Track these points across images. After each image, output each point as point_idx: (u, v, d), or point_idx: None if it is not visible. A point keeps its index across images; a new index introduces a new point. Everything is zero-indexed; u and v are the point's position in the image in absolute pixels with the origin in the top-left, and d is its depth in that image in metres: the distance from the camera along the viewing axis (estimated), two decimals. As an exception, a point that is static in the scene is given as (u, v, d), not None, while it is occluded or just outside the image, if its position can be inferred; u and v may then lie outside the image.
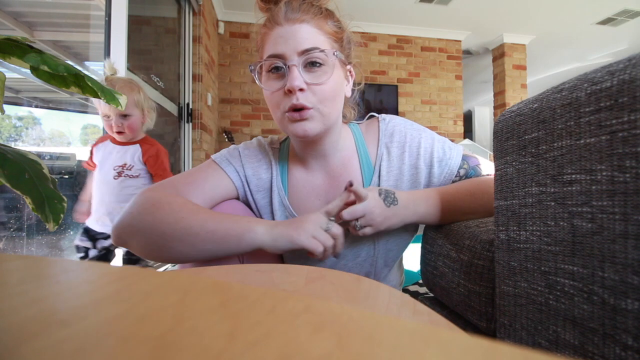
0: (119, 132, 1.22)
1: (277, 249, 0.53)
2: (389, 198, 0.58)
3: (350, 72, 0.64)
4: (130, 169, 1.25)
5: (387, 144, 0.66)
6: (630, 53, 0.31)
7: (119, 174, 1.24)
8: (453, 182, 0.66)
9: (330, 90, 0.57)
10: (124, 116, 1.22)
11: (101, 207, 1.24)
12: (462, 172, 0.67)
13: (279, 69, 0.56)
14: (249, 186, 0.66)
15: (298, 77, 0.54)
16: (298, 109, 0.55)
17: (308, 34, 0.55)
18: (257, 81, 0.60)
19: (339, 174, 0.66)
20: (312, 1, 0.57)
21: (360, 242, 0.65)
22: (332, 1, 0.60)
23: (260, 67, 0.58)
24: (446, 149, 0.66)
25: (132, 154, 1.26)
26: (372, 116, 0.72)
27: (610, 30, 3.99)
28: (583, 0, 3.35)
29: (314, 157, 0.66)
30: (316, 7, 0.57)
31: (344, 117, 0.68)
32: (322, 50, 0.55)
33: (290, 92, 0.54)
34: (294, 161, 0.68)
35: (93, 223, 1.25)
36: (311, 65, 0.55)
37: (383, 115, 0.70)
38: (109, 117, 1.21)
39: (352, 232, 0.59)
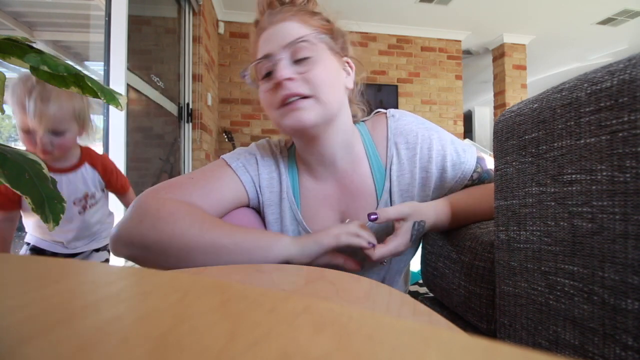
0: (45, 152, 0.87)
1: (306, 257, 0.51)
2: (419, 233, 0.55)
3: (348, 63, 0.61)
4: (93, 197, 1.01)
5: (397, 143, 0.61)
6: (630, 53, 0.31)
7: (84, 208, 0.99)
8: (465, 186, 0.63)
9: (325, 75, 0.54)
10: (57, 133, 0.87)
11: (65, 235, 1.00)
12: (475, 176, 0.63)
13: (270, 73, 0.54)
14: (262, 197, 0.62)
15: (284, 67, 0.52)
16: (291, 101, 0.52)
17: (292, 29, 0.54)
18: (250, 84, 0.59)
19: (350, 181, 0.62)
20: (294, 2, 0.57)
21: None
22: (318, 5, 0.60)
23: (253, 75, 0.58)
24: (460, 151, 0.62)
25: (90, 179, 1.00)
26: (379, 112, 0.67)
27: (610, 30, 3.99)
28: (583, 0, 3.35)
29: (320, 163, 0.61)
30: (299, 6, 0.57)
31: (354, 116, 0.64)
32: (306, 40, 0.53)
33: (279, 85, 0.52)
34: (303, 171, 0.64)
35: (53, 246, 1.00)
36: (301, 60, 0.53)
37: (392, 111, 0.65)
38: (30, 132, 0.85)
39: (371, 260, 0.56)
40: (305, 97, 0.53)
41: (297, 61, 0.53)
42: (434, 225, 0.57)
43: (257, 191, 0.62)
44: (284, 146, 0.66)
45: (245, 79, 0.59)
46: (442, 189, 0.63)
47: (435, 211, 0.57)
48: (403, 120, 0.63)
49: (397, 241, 0.54)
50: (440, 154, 0.60)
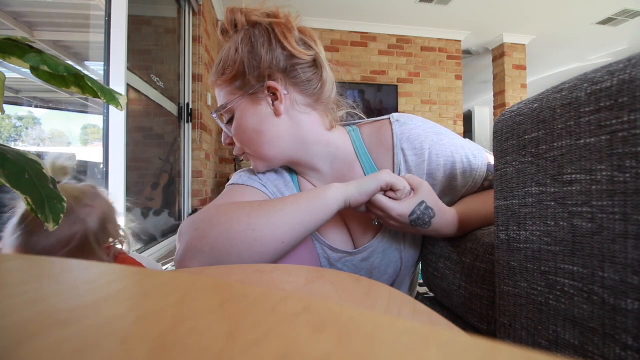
0: None
1: (365, 194, 0.50)
2: (421, 220, 0.52)
3: (271, 88, 0.55)
4: None
5: (404, 149, 0.58)
6: (630, 53, 0.31)
7: None
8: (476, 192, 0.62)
9: (245, 132, 0.57)
10: None
11: None
12: (486, 184, 0.60)
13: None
14: None
15: (225, 132, 0.60)
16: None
17: (220, 97, 0.60)
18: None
19: None
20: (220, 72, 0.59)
21: (388, 255, 0.62)
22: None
23: None
24: (471, 158, 0.58)
25: None
26: (381, 119, 0.64)
27: (610, 30, 3.99)
28: (583, 0, 3.35)
29: (307, 175, 0.64)
30: (227, 75, 0.57)
31: (341, 119, 0.64)
32: (225, 106, 0.58)
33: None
34: (302, 180, 0.66)
35: None
36: (228, 122, 0.59)
37: (395, 116, 0.61)
38: None
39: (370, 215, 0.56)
40: (243, 153, 0.60)
41: (229, 123, 0.60)
42: (440, 227, 0.54)
43: (270, 193, 0.62)
44: None
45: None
46: (453, 197, 0.61)
47: (447, 217, 0.55)
48: (410, 124, 0.60)
49: (395, 204, 0.52)
50: (450, 161, 0.58)
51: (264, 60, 0.54)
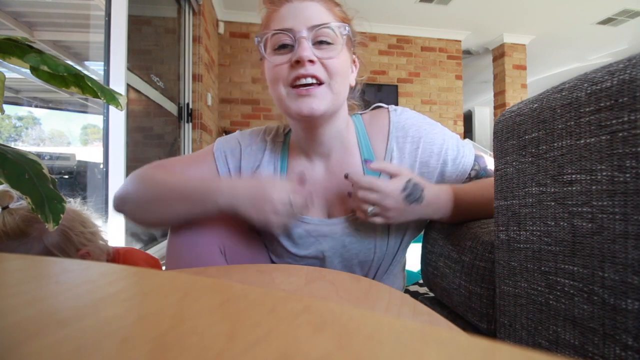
0: None
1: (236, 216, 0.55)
2: (413, 195, 0.53)
3: (354, 61, 0.62)
4: None
5: (399, 138, 0.61)
6: (630, 53, 0.31)
7: None
8: (463, 182, 0.64)
9: (340, 66, 0.54)
10: None
11: None
12: (472, 173, 0.64)
13: (286, 46, 0.54)
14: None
15: (308, 48, 0.51)
16: (305, 84, 0.52)
17: (319, 12, 0.54)
18: (262, 52, 0.57)
19: (339, 170, 0.62)
20: None
21: (368, 234, 0.62)
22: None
23: (265, 43, 0.56)
24: (460, 147, 0.63)
25: None
26: (379, 107, 0.67)
27: (610, 30, 3.99)
28: (583, 0, 3.35)
29: (315, 150, 0.62)
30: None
31: (350, 109, 0.65)
32: (331, 28, 0.53)
33: (298, 62, 0.52)
34: (295, 154, 0.65)
35: None
36: (320, 43, 0.53)
37: (393, 106, 0.65)
38: None
39: (360, 216, 0.56)
40: (320, 83, 0.53)
41: (317, 45, 0.53)
42: (434, 200, 0.55)
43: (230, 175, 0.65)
44: (282, 132, 0.68)
45: (258, 45, 0.58)
46: (442, 183, 0.63)
47: (435, 188, 0.57)
48: (405, 114, 0.63)
49: (386, 181, 0.53)
50: (443, 148, 0.61)
51: (357, 37, 0.63)
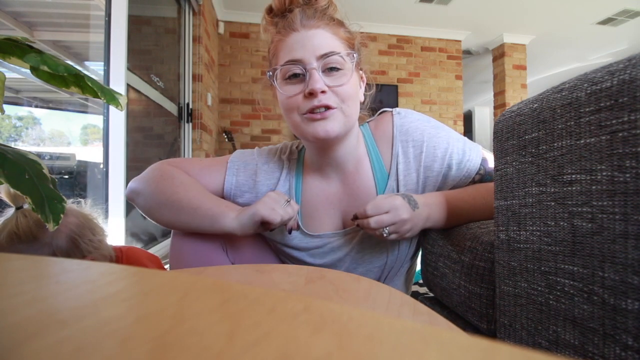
0: None
1: (245, 231, 0.57)
2: (412, 202, 0.57)
3: (362, 77, 0.64)
4: None
5: (403, 142, 0.62)
6: (630, 53, 0.31)
7: None
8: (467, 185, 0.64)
9: (350, 90, 0.56)
10: None
11: None
12: (477, 177, 0.64)
13: (297, 75, 0.56)
14: (241, 200, 0.67)
15: (319, 80, 0.54)
16: (319, 111, 0.55)
17: (325, 39, 0.55)
18: (274, 84, 0.59)
19: (352, 181, 0.65)
20: (324, 10, 0.58)
21: (373, 253, 0.64)
22: (341, 10, 0.61)
23: (276, 73, 0.58)
24: (466, 149, 0.62)
25: None
26: (384, 111, 0.68)
27: (610, 30, 3.99)
28: (583, 0, 3.35)
29: (329, 165, 0.64)
30: (328, 16, 0.58)
31: (359, 120, 0.66)
32: (340, 54, 0.55)
33: (311, 94, 0.54)
34: (309, 171, 0.67)
35: None
36: (330, 70, 0.55)
37: (397, 109, 0.66)
38: None
39: (379, 237, 0.57)
40: (331, 107, 0.55)
41: (327, 72, 0.55)
42: (437, 220, 0.58)
43: (231, 195, 0.67)
44: (295, 149, 0.70)
45: (270, 79, 0.59)
46: (444, 187, 0.64)
47: (421, 196, 0.59)
48: (410, 117, 0.63)
49: (394, 212, 0.55)
50: (447, 152, 0.61)
51: (362, 52, 0.65)
